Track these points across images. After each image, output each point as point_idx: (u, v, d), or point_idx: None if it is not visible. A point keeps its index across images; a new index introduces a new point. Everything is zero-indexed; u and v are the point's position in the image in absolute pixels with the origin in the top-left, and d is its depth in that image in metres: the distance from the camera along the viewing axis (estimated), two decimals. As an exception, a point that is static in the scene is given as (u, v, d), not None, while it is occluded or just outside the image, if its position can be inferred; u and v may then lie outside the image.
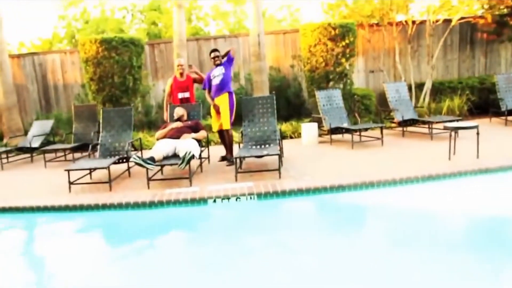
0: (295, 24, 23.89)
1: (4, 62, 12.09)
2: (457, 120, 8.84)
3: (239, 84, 12.68)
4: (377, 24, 12.40)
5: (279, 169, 6.51)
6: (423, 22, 12.16)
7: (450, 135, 6.83)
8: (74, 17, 21.63)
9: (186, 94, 8.30)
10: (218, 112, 7.69)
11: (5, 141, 11.93)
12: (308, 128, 9.33)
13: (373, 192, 5.91)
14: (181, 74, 8.30)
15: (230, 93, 7.63)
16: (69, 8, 21.72)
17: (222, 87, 7.60)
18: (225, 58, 7.84)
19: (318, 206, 5.89)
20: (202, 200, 5.79)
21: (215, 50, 7.96)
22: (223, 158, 7.92)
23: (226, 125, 7.58)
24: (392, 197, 5.86)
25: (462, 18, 11.71)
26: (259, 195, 5.80)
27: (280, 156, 6.59)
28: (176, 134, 7.08)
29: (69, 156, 9.64)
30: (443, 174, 6.15)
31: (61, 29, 21.66)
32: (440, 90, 12.02)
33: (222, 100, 7.57)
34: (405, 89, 10.17)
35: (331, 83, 10.88)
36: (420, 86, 12.10)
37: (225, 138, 7.83)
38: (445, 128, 6.98)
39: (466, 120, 9.21)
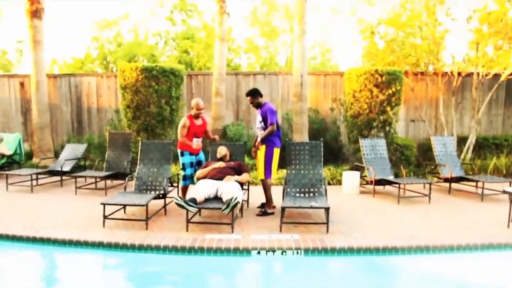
0: (325, 64, 23.75)
1: (41, 81, 12.10)
2: (510, 182, 8.39)
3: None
4: (422, 73, 12.10)
5: (327, 223, 6.12)
6: (469, 75, 11.83)
7: (511, 201, 6.37)
8: (107, 39, 21.81)
9: (200, 141, 7.55)
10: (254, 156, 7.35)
11: (34, 160, 11.81)
12: (350, 177, 8.95)
13: (429, 257, 5.47)
14: (197, 117, 7.48)
15: (268, 146, 7.12)
16: (103, 30, 21.94)
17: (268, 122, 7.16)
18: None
19: (369, 268, 5.44)
20: (246, 251, 5.40)
21: (249, 94, 7.36)
22: (262, 205, 7.51)
23: (260, 175, 7.19)
24: (449, 264, 5.41)
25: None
26: (306, 250, 5.42)
27: (329, 209, 6.19)
28: (218, 175, 6.77)
29: (100, 184, 9.37)
30: (505, 244, 5.69)
31: (94, 50, 21.83)
32: (483, 146, 11.58)
33: (261, 149, 7.19)
34: (453, 144, 9.80)
35: (373, 131, 10.55)
36: (462, 140, 11.69)
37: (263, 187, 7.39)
38: (505, 192, 6.53)
39: (514, 180, 8.76)
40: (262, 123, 7.17)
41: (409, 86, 11.98)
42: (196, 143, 7.41)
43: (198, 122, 7.45)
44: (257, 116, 7.34)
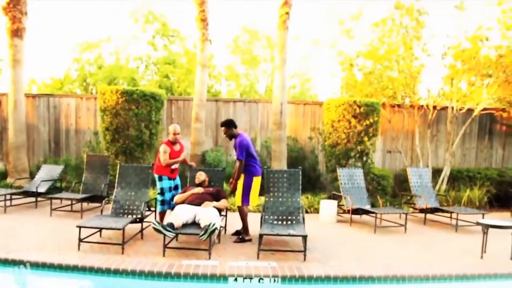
0: (304, 93, 24.04)
1: (19, 100, 11.98)
2: (483, 214, 8.58)
3: (255, 151, 12.42)
4: (399, 106, 12.36)
5: (304, 251, 6.14)
6: (444, 108, 12.15)
7: (484, 232, 6.51)
8: (88, 61, 21.76)
9: (176, 166, 7.59)
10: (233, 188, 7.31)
11: (9, 180, 11.60)
12: (328, 205, 9.01)
13: (404, 287, 5.52)
14: (175, 143, 7.48)
15: (246, 175, 7.14)
16: (84, 52, 21.90)
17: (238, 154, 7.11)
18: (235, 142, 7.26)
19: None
20: (223, 277, 5.38)
21: (223, 125, 7.34)
22: (236, 232, 7.49)
23: (238, 202, 7.15)
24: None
25: (485, 109, 11.66)
26: (283, 278, 5.41)
27: (306, 237, 6.22)
28: (196, 201, 6.77)
29: (76, 206, 9.23)
30: (479, 275, 5.78)
31: (74, 71, 21.73)
32: (457, 178, 11.81)
33: (240, 178, 7.18)
34: (428, 175, 10.00)
35: (351, 161, 10.70)
36: (437, 172, 11.91)
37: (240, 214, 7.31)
38: (478, 224, 6.67)
39: (486, 212, 8.92)
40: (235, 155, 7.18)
41: (386, 117, 12.23)
42: (174, 167, 7.42)
43: (176, 147, 7.47)
44: None
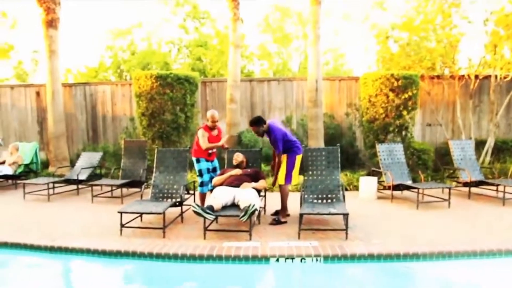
0: (338, 69, 23.65)
1: (56, 91, 12.16)
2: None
3: (291, 129, 12.32)
4: (438, 77, 11.95)
5: (346, 229, 6.02)
6: (486, 77, 11.68)
7: (534, 206, 6.25)
8: (121, 48, 21.95)
9: (214, 150, 7.56)
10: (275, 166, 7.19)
11: (51, 169, 11.86)
12: (367, 182, 8.84)
13: (450, 263, 5.34)
14: (213, 128, 7.45)
15: (289, 155, 6.99)
16: (117, 39, 22.08)
17: (277, 149, 6.98)
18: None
19: (390, 275, 5.32)
20: (264, 258, 5.33)
21: (252, 123, 7.08)
22: (276, 212, 7.41)
23: (281, 180, 7.04)
24: (471, 270, 5.30)
25: (531, 75, 11.17)
26: (326, 257, 5.32)
27: (347, 215, 6.10)
28: (235, 182, 6.71)
29: (116, 192, 9.37)
30: (530, 250, 5.55)
31: (108, 59, 21.99)
32: (502, 150, 11.40)
33: (284, 157, 7.05)
34: (472, 147, 9.63)
35: (390, 136, 10.44)
36: (480, 144, 11.51)
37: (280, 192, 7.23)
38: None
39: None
40: (273, 146, 7.08)
41: (425, 90, 11.84)
42: (212, 150, 7.42)
43: (214, 132, 7.44)
44: None
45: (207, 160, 7.41)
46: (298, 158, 7.04)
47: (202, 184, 7.42)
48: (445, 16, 11.12)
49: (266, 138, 7.31)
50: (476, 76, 11.44)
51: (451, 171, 9.75)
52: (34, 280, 5.26)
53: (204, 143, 7.21)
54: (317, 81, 10.89)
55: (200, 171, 7.39)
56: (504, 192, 8.18)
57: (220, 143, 7.29)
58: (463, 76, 11.64)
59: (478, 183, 8.98)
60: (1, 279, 5.43)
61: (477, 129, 12.29)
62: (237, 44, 11.80)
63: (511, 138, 12.03)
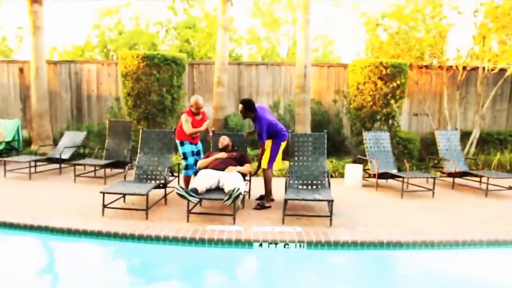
0: (327, 56, 23.56)
1: (41, 68, 11.93)
2: (514, 178, 8.30)
3: (278, 115, 12.25)
4: (426, 67, 11.95)
5: (330, 216, 6.00)
6: (474, 69, 11.71)
7: (517, 198, 6.28)
8: (108, 27, 21.59)
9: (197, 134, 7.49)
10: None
11: (33, 147, 11.69)
12: (353, 170, 8.84)
13: (433, 252, 5.36)
14: (197, 113, 7.36)
15: (274, 142, 6.97)
16: (104, 18, 21.72)
17: (260, 139, 6.95)
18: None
19: (373, 262, 5.32)
20: (247, 243, 5.29)
21: (243, 103, 7.03)
22: (261, 197, 7.37)
23: (264, 165, 7.01)
24: (453, 260, 5.31)
25: (519, 68, 11.22)
26: (309, 243, 5.30)
27: (332, 202, 6.07)
28: (220, 165, 6.64)
29: (100, 172, 9.26)
30: (510, 241, 5.58)
31: (94, 38, 21.62)
32: (487, 141, 11.48)
33: (268, 143, 7.00)
34: (457, 138, 9.63)
35: (376, 124, 10.45)
36: (465, 135, 11.57)
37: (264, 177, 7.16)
38: (510, 188, 6.42)
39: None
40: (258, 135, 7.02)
41: (413, 79, 11.82)
42: (197, 138, 7.45)
43: (198, 117, 7.35)
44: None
45: (191, 143, 7.35)
46: (283, 144, 7.03)
47: (187, 167, 7.35)
48: (435, 6, 11.08)
49: (252, 123, 7.22)
50: (464, 68, 11.46)
51: (436, 161, 9.79)
52: (14, 259, 5.16)
53: (187, 128, 7.13)
54: (306, 67, 10.81)
55: (184, 154, 7.31)
56: (487, 183, 8.22)
57: (203, 128, 7.20)
58: (451, 67, 11.66)
59: (462, 174, 9.03)
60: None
61: (463, 120, 12.34)
62: (226, 26, 11.64)
63: (496, 130, 12.13)
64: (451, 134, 9.69)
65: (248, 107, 6.95)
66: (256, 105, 7.06)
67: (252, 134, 7.60)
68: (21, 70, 12.96)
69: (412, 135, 11.12)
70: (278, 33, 23.71)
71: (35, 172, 9.40)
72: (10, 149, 10.88)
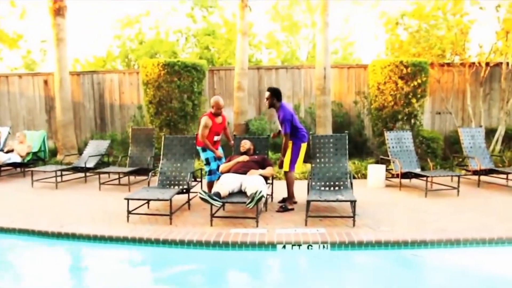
0: (347, 58, 23.45)
1: (64, 79, 12.17)
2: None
3: (299, 118, 12.24)
4: (448, 64, 11.80)
5: (353, 217, 5.97)
6: (497, 65, 11.52)
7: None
8: (129, 37, 21.88)
9: (218, 138, 7.41)
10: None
11: (58, 157, 11.91)
12: (376, 170, 8.78)
13: (459, 251, 5.28)
14: (218, 115, 7.30)
15: (294, 143, 6.97)
16: (125, 28, 22.02)
17: (283, 128, 6.93)
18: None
19: (398, 262, 5.28)
20: (271, 245, 5.29)
21: (270, 90, 7.05)
22: (283, 200, 7.36)
23: (286, 167, 7.00)
24: (480, 258, 5.24)
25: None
26: (333, 244, 5.27)
27: (355, 202, 6.05)
28: (242, 169, 6.67)
29: (124, 179, 9.39)
30: (540, 238, 5.47)
31: (116, 48, 21.94)
32: (512, 138, 11.28)
33: (288, 149, 7.02)
34: (482, 135, 9.50)
35: (398, 123, 10.36)
36: (490, 132, 11.38)
37: (286, 180, 7.18)
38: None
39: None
40: (279, 124, 7.04)
41: (434, 77, 11.69)
42: (216, 139, 7.36)
43: (218, 120, 7.28)
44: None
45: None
46: (303, 146, 7.01)
47: (210, 173, 7.36)
48: (456, 3, 10.95)
49: (274, 126, 7.24)
50: (487, 64, 11.29)
51: (461, 160, 9.65)
52: (42, 266, 5.27)
53: (203, 133, 7.05)
54: (325, 69, 10.80)
55: (207, 159, 7.32)
56: (514, 180, 8.09)
57: (216, 154, 7.22)
58: (473, 63, 11.48)
59: (488, 172, 8.89)
60: (10, 265, 5.47)
61: (487, 117, 12.14)
62: (245, 31, 11.72)
63: (522, 127, 11.90)
64: (475, 131, 9.55)
65: (275, 94, 6.96)
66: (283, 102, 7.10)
67: (278, 135, 7.54)
68: (45, 82, 13.25)
69: (435, 134, 10.98)
70: (298, 36, 23.71)
71: (61, 181, 9.57)
72: (36, 159, 11.10)
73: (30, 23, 22.76)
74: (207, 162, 7.32)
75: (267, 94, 7.02)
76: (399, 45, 12.20)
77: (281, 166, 7.12)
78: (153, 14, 22.45)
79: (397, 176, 8.60)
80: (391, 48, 12.55)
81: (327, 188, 6.97)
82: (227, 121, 7.65)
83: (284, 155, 6.97)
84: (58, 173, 9.35)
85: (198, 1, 21.29)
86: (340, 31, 24.08)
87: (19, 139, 10.73)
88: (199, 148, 7.38)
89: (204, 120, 7.10)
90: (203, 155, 7.36)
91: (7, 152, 10.61)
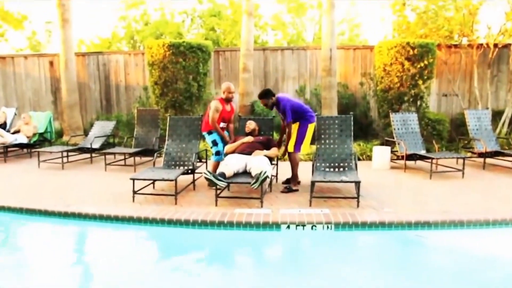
0: (353, 40, 23.29)
1: (70, 60, 12.17)
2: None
3: (304, 99, 12.23)
4: (455, 46, 11.69)
5: (357, 198, 5.99)
6: (506, 46, 11.41)
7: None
8: (134, 18, 21.80)
9: (224, 125, 7.32)
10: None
11: (64, 138, 11.96)
12: (381, 152, 8.77)
13: (463, 232, 5.28)
14: (228, 101, 7.24)
15: (301, 123, 6.95)
16: (130, 9, 21.92)
17: (286, 118, 6.94)
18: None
19: (401, 243, 5.30)
20: (275, 225, 5.31)
21: (261, 96, 7.09)
22: (287, 180, 7.38)
23: (290, 148, 6.98)
24: (483, 239, 5.24)
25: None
26: (336, 225, 5.29)
27: (359, 183, 6.05)
28: (247, 150, 6.68)
29: (129, 160, 9.43)
30: (544, 220, 5.46)
31: (121, 29, 21.88)
32: (519, 120, 11.21)
33: (295, 125, 7.00)
34: (488, 118, 9.44)
35: (404, 105, 10.31)
36: (497, 114, 11.31)
37: (290, 161, 7.16)
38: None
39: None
40: (283, 117, 7.05)
41: (441, 59, 11.59)
42: (222, 126, 7.29)
43: (228, 107, 7.24)
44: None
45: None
46: (311, 126, 6.98)
47: (218, 153, 7.27)
48: (465, -17, 10.84)
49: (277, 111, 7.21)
50: (495, 45, 11.18)
51: (466, 142, 9.62)
52: (49, 245, 5.34)
53: (214, 116, 7.01)
54: (331, 50, 10.73)
55: (214, 141, 7.19)
56: (519, 162, 8.06)
57: (225, 137, 7.21)
58: (481, 45, 11.37)
59: (493, 154, 8.85)
60: (17, 244, 5.54)
61: (494, 99, 12.04)
62: (250, 12, 11.63)
63: (529, 109, 11.81)
64: (482, 113, 9.49)
65: (265, 94, 6.99)
66: (277, 94, 7.11)
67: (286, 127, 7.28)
68: (51, 63, 13.25)
69: (442, 116, 10.94)
70: (304, 18, 23.54)
71: (67, 162, 9.64)
72: (43, 140, 11.17)
73: (35, 3, 22.64)
74: (214, 143, 7.22)
75: (261, 101, 7.10)
76: (406, 26, 12.08)
77: (284, 154, 7.14)
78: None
79: (402, 158, 8.59)
80: (398, 29, 12.43)
81: (331, 169, 6.98)
82: (235, 108, 7.59)
83: (287, 143, 6.98)
84: (64, 154, 9.41)
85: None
86: (347, 13, 23.88)
87: (25, 121, 10.78)
88: (205, 133, 7.30)
89: (215, 104, 7.05)
90: (209, 138, 7.26)
91: (14, 133, 10.67)
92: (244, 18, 11.63)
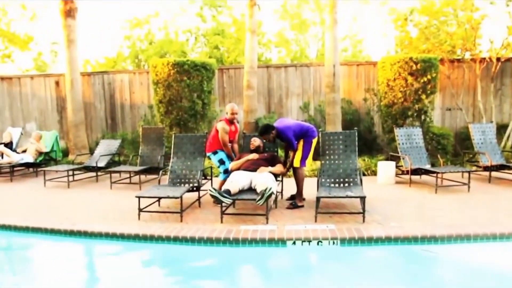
0: (356, 56, 23.38)
1: (75, 79, 12.29)
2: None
3: (308, 116, 12.27)
4: (458, 60, 11.74)
5: (363, 213, 5.98)
6: (509, 60, 11.45)
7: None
8: (138, 37, 21.98)
9: (230, 145, 7.31)
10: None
11: (70, 157, 12.02)
12: (385, 167, 8.77)
13: (469, 246, 5.26)
14: (232, 122, 7.29)
15: (305, 141, 6.94)
16: (134, 28, 22.13)
17: (292, 147, 6.98)
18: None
19: (407, 257, 5.27)
20: (281, 241, 5.31)
21: (262, 133, 7.06)
22: (291, 197, 7.38)
23: (296, 163, 6.98)
24: (491, 253, 5.20)
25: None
26: (342, 240, 5.28)
27: (365, 198, 6.05)
28: (252, 167, 6.70)
29: (135, 178, 9.47)
30: (551, 233, 5.43)
31: (126, 49, 22.05)
32: (525, 134, 11.19)
33: (299, 144, 7.00)
34: (493, 131, 9.45)
35: (408, 120, 10.33)
36: (502, 128, 11.30)
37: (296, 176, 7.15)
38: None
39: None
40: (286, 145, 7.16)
41: (444, 73, 11.63)
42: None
43: (232, 127, 7.29)
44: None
45: (222, 150, 7.31)
46: (314, 141, 7.01)
47: (226, 171, 7.19)
48: (467, -2, 10.92)
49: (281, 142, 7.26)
50: (498, 59, 11.22)
51: (471, 156, 9.61)
52: (55, 264, 5.34)
53: (225, 139, 7.07)
54: (335, 66, 10.80)
55: (220, 160, 7.20)
56: (526, 176, 8.04)
57: (231, 157, 7.26)
58: (484, 59, 11.42)
59: (499, 167, 8.84)
60: (23, 263, 5.55)
61: (498, 113, 12.04)
62: (254, 30, 11.73)
63: (534, 122, 11.80)
64: (486, 127, 9.50)
65: (265, 131, 6.99)
66: (274, 124, 7.17)
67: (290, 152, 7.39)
68: (57, 83, 13.38)
69: (446, 130, 10.94)
70: (307, 35, 23.68)
71: (73, 180, 9.69)
72: (49, 159, 11.24)
73: (41, 25, 22.91)
74: (221, 162, 7.22)
75: (261, 140, 7.18)
76: (409, 41, 12.16)
77: (288, 170, 7.17)
78: (162, 15, 22.56)
79: (407, 172, 8.58)
80: (401, 44, 12.51)
81: (336, 185, 6.98)
82: (238, 128, 7.65)
83: (292, 160, 7.02)
84: (70, 172, 9.45)
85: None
86: (349, 29, 24.01)
87: (35, 138, 10.86)
88: (209, 154, 7.30)
89: (221, 125, 7.09)
90: (215, 158, 7.26)
91: (21, 151, 10.76)
92: (248, 36, 11.74)
